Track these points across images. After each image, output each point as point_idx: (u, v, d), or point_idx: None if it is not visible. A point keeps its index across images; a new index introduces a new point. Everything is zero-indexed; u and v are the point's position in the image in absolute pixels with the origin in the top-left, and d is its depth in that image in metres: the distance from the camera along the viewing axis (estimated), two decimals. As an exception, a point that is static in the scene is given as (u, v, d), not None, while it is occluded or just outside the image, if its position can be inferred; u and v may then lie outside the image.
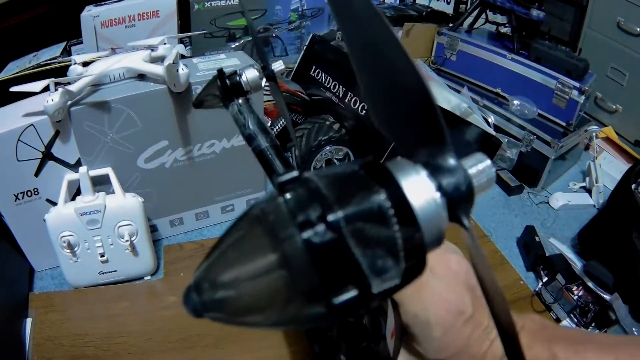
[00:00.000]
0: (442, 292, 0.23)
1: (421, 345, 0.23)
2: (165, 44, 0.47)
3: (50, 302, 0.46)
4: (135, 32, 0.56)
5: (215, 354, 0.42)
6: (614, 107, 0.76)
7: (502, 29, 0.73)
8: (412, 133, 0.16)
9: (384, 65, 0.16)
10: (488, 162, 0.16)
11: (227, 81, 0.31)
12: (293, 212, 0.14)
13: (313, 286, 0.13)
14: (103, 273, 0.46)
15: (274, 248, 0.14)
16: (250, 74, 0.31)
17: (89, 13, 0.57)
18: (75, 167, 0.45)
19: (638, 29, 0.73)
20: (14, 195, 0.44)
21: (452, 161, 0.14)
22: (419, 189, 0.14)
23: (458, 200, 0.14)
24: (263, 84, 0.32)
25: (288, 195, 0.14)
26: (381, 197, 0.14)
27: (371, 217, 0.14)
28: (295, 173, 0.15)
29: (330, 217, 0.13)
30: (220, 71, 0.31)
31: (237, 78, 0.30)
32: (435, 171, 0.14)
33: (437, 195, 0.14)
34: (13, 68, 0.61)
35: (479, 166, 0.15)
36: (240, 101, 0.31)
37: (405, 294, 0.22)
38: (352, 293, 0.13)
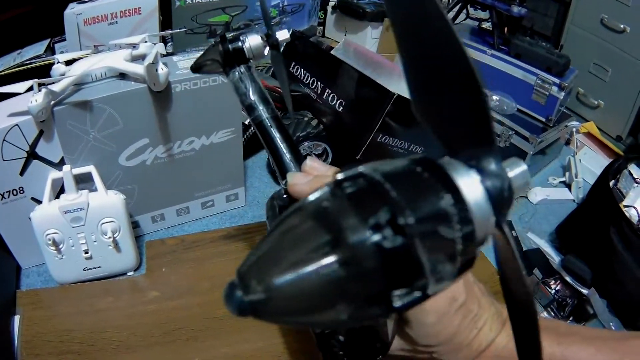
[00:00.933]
0: None
1: (413, 330, 0.23)
2: (146, 42, 0.48)
3: (38, 298, 0.47)
4: (118, 29, 0.56)
5: (198, 346, 0.43)
6: (596, 102, 0.77)
7: (485, 25, 0.74)
8: (460, 132, 0.15)
9: (440, 62, 0.15)
10: (524, 167, 0.15)
11: (229, 46, 0.29)
12: (363, 215, 0.13)
13: (377, 289, 0.13)
14: (87, 269, 0.47)
15: (338, 248, 0.13)
16: (253, 41, 0.29)
17: (72, 11, 0.57)
18: (59, 165, 0.46)
19: (622, 26, 0.73)
20: (0, 194, 0.45)
21: (497, 165, 0.14)
22: (474, 193, 0.14)
23: (501, 205, 0.14)
24: (266, 53, 0.31)
25: (354, 194, 0.14)
26: (448, 202, 0.14)
27: (438, 222, 0.13)
28: (360, 169, 0.15)
29: (401, 222, 0.13)
30: (223, 36, 0.30)
31: (240, 44, 0.29)
32: (481, 174, 0.14)
33: (487, 199, 0.14)
34: (-3, 66, 0.61)
35: (516, 170, 0.15)
36: (241, 69, 0.29)
37: None
38: (412, 296, 0.14)
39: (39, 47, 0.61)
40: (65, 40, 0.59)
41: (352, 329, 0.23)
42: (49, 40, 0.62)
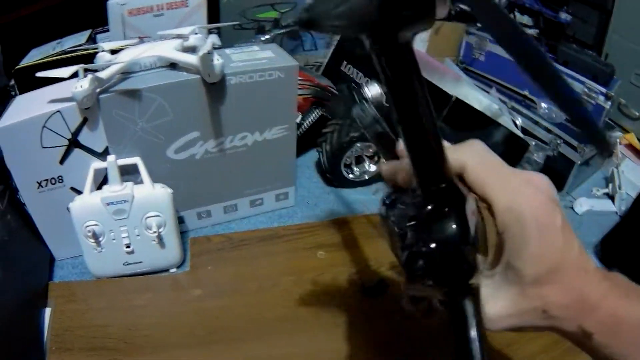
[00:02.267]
0: (529, 187, 0.22)
1: (517, 253, 0.21)
2: (196, 34, 0.47)
3: (71, 291, 0.45)
4: (164, 22, 0.55)
5: (242, 348, 0.41)
6: (637, 113, 0.76)
7: (528, 31, 0.73)
8: None
9: None
10: None
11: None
12: None
13: None
14: (128, 264, 0.46)
15: None
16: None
17: (116, 1, 0.56)
18: (102, 155, 0.45)
19: (663, 36, 0.72)
20: (37, 182, 0.43)
21: None
22: None
23: None
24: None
25: None
26: None
27: None
28: None
29: None
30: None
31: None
32: None
33: None
34: (36, 54, 0.60)
35: None
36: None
37: (494, 188, 0.22)
38: None
39: (80, 38, 0.60)
40: (107, 31, 0.58)
41: (435, 250, 0.21)
42: (90, 31, 0.61)
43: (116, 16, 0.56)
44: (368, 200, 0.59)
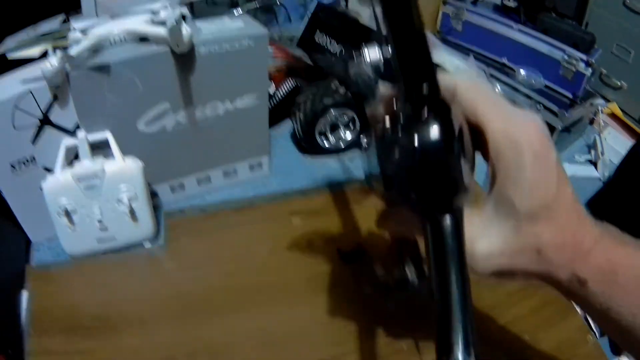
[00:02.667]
0: (525, 116, 0.21)
1: (511, 181, 0.20)
2: (167, 7, 0.46)
3: (47, 273, 0.45)
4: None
5: (218, 320, 0.41)
6: (619, 83, 0.76)
7: (507, 2, 0.73)
8: None
9: None
10: None
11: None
12: None
13: None
14: (102, 241, 0.45)
15: None
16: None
17: (87, -18, 0.56)
18: (73, 132, 0.44)
19: (643, 7, 0.72)
20: (11, 165, 0.43)
21: None
22: None
23: None
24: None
25: None
26: None
27: None
28: None
29: None
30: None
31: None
32: None
33: None
34: (12, 43, 0.60)
35: None
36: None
37: (488, 111, 0.20)
38: None
39: (53, 23, 0.60)
40: (81, 13, 0.58)
41: (418, 156, 0.20)
42: (64, 14, 0.61)
43: (88, -4, 0.56)
44: (344, 168, 0.59)
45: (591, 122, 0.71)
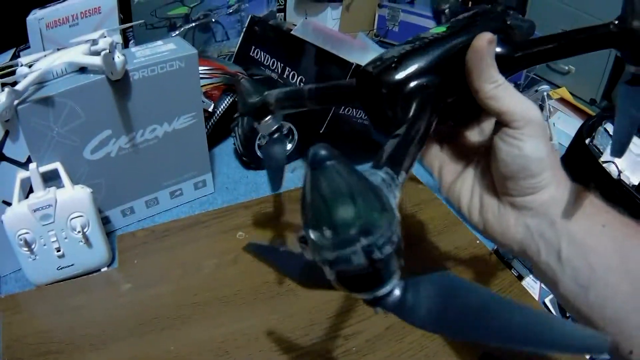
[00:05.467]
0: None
1: (507, 143, 0.24)
2: (105, 36, 0.48)
3: (16, 303, 0.46)
4: (80, 30, 0.57)
5: (173, 335, 0.42)
6: (567, 68, 0.78)
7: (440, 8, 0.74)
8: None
9: None
10: None
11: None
12: None
13: None
14: (61, 268, 0.47)
15: None
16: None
17: (34, 17, 0.58)
18: (26, 165, 0.45)
19: (584, -11, 0.74)
20: (-29, 201, 0.44)
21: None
22: None
23: None
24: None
25: None
26: None
27: None
28: None
29: None
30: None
31: None
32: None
33: None
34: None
35: None
36: None
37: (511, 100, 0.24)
38: None
39: (4, 57, 0.61)
40: (30, 47, 0.59)
41: None
42: (14, 49, 0.62)
43: (35, 31, 0.58)
44: (286, 178, 0.61)
45: (540, 108, 0.72)
